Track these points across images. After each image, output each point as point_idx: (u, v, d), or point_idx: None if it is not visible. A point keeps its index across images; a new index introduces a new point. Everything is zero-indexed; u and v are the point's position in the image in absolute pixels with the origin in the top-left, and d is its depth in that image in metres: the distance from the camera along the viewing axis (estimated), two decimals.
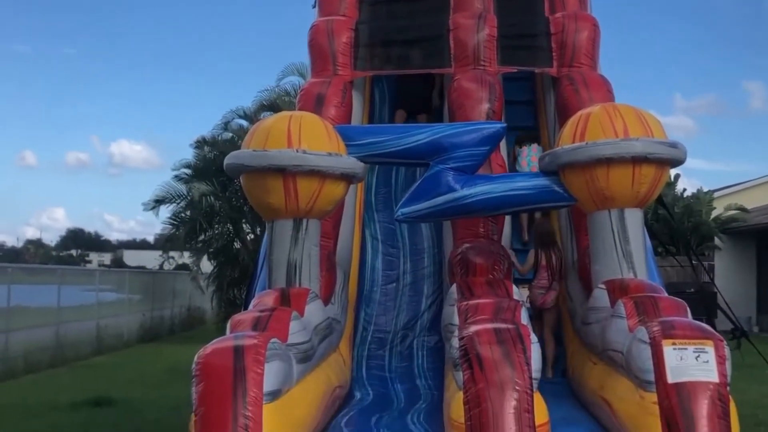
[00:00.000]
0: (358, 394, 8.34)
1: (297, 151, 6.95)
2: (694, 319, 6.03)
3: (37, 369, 17.51)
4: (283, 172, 6.96)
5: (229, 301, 24.54)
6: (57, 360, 18.68)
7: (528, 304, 8.53)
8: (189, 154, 27.24)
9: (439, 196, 7.24)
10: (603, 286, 6.91)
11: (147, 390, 14.10)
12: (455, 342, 5.78)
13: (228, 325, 6.43)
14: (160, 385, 14.53)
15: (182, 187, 24.98)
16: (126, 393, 13.56)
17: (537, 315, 8.68)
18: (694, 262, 18.76)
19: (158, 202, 24.90)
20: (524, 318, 6.46)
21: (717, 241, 29.66)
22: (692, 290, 21.34)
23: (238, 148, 7.41)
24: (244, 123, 24.88)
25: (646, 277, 7.01)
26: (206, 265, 27.31)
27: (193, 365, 5.52)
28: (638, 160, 6.73)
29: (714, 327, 5.83)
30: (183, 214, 24.94)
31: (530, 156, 9.66)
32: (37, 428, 10.62)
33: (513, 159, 9.75)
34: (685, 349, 5.42)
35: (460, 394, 5.50)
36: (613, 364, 6.33)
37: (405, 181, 10.28)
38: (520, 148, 9.83)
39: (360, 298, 9.49)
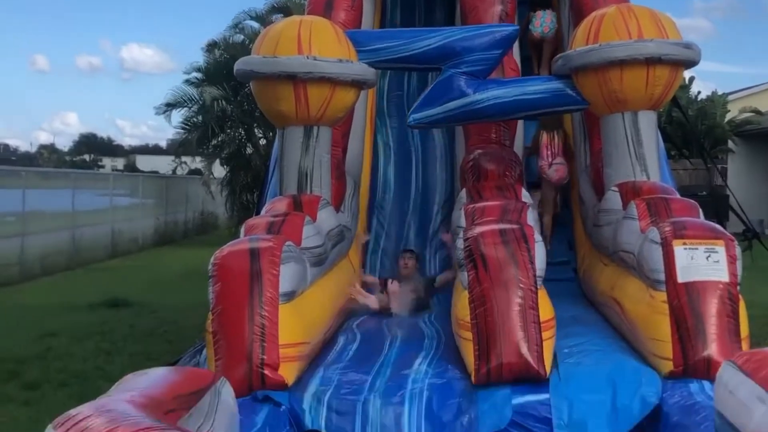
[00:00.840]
0: None
1: (307, 57, 6.91)
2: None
3: (54, 272, 17.72)
4: (293, 78, 6.93)
5: (242, 206, 24.65)
6: (73, 263, 18.91)
7: (538, 209, 8.58)
8: (200, 58, 27.07)
9: (451, 101, 7.20)
10: (615, 188, 6.92)
11: (163, 291, 14.30)
12: (460, 243, 5.83)
13: (242, 229, 6.50)
14: (176, 287, 14.72)
15: (194, 92, 24.86)
16: (142, 294, 13.75)
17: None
18: (707, 165, 18.72)
19: (170, 106, 24.79)
20: (530, 219, 6.50)
21: (730, 144, 29.53)
22: (705, 193, 21.34)
23: (250, 51, 7.37)
24: (256, 25, 24.62)
25: (659, 180, 7.03)
26: (219, 171, 27.36)
27: (210, 266, 5.60)
28: (652, 62, 6.67)
29: (725, 229, 5.84)
30: (195, 119, 24.86)
31: (544, 17, 9.57)
32: (56, 328, 10.81)
33: (526, 24, 9.59)
34: (696, 249, 5.46)
35: (466, 294, 5.58)
36: (624, 265, 6.39)
37: (417, 86, 10.22)
38: (534, 12, 9.73)
39: (371, 205, 9.54)
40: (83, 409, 3.18)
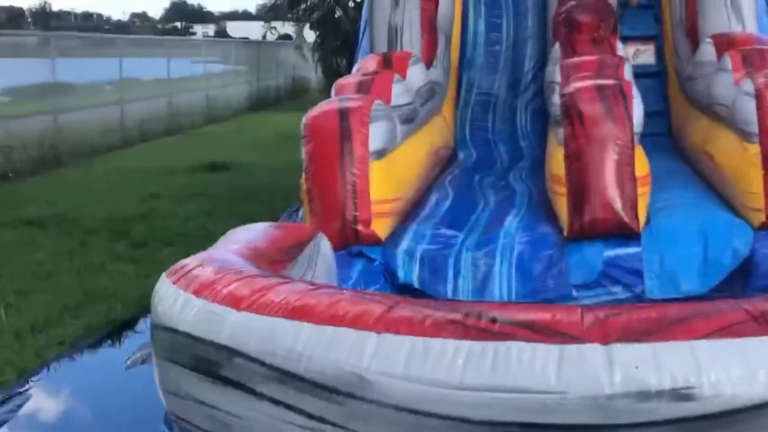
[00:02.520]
0: (461, 155, 8.51)
1: None
2: None
3: (153, 137, 18.17)
4: None
5: (332, 70, 24.67)
6: (171, 129, 19.34)
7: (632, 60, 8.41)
8: None
9: None
10: (710, 40, 6.76)
11: (258, 155, 14.57)
12: (556, 99, 5.82)
13: (333, 89, 6.60)
14: (271, 151, 14.98)
15: None
16: (239, 158, 14.05)
17: None
18: None
19: None
20: (627, 74, 6.42)
21: None
22: None
23: None
24: None
25: (755, 31, 6.84)
26: (308, 35, 27.34)
27: (302, 127, 5.74)
28: None
29: None
30: None
31: None
32: (159, 190, 11.19)
33: None
34: None
35: (561, 149, 5.60)
36: (717, 119, 6.31)
37: None
38: None
39: (462, 61, 9.47)
40: (193, 260, 3.39)
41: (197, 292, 3.04)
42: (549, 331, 2.45)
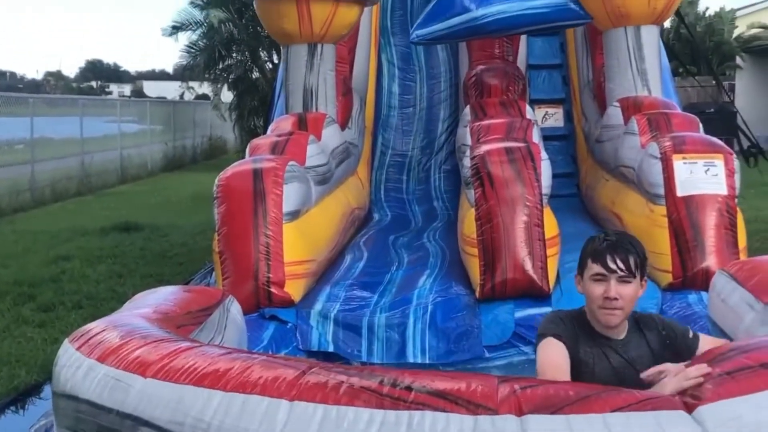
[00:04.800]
0: (376, 216, 8.56)
1: None
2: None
3: (65, 198, 17.82)
4: None
5: (250, 130, 24.63)
6: (83, 189, 18.99)
7: (541, 123, 8.61)
8: None
9: (454, 16, 7.17)
10: (617, 104, 6.95)
11: (173, 216, 14.38)
12: (467, 161, 5.90)
13: (247, 150, 6.57)
14: (186, 211, 14.81)
15: (199, 14, 24.68)
16: (153, 219, 13.84)
17: None
18: (714, 82, 18.58)
19: (176, 28, 24.70)
20: (536, 136, 6.55)
21: (738, 60, 29.19)
22: (712, 110, 21.19)
23: None
24: None
25: (660, 95, 7.05)
26: (226, 95, 27.29)
27: (215, 188, 5.69)
28: None
29: (732, 146, 5.88)
30: (201, 42, 24.75)
31: None
32: (69, 252, 10.92)
33: None
34: (695, 163, 5.52)
35: (472, 211, 5.65)
36: (624, 180, 6.46)
37: (420, 4, 10.15)
38: None
39: (377, 122, 9.58)
40: (98, 324, 3.29)
41: (101, 358, 2.94)
42: (463, 401, 2.42)
